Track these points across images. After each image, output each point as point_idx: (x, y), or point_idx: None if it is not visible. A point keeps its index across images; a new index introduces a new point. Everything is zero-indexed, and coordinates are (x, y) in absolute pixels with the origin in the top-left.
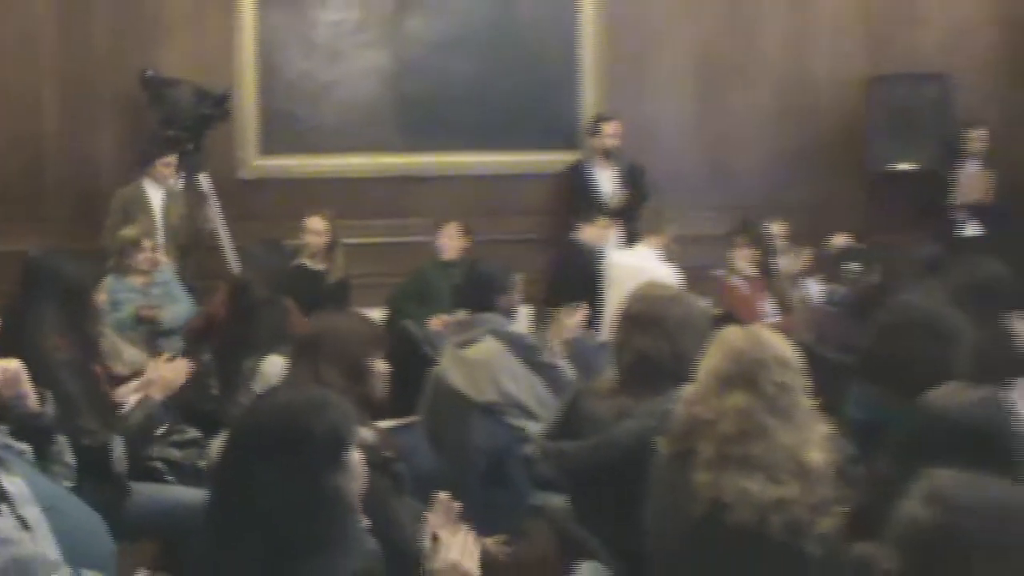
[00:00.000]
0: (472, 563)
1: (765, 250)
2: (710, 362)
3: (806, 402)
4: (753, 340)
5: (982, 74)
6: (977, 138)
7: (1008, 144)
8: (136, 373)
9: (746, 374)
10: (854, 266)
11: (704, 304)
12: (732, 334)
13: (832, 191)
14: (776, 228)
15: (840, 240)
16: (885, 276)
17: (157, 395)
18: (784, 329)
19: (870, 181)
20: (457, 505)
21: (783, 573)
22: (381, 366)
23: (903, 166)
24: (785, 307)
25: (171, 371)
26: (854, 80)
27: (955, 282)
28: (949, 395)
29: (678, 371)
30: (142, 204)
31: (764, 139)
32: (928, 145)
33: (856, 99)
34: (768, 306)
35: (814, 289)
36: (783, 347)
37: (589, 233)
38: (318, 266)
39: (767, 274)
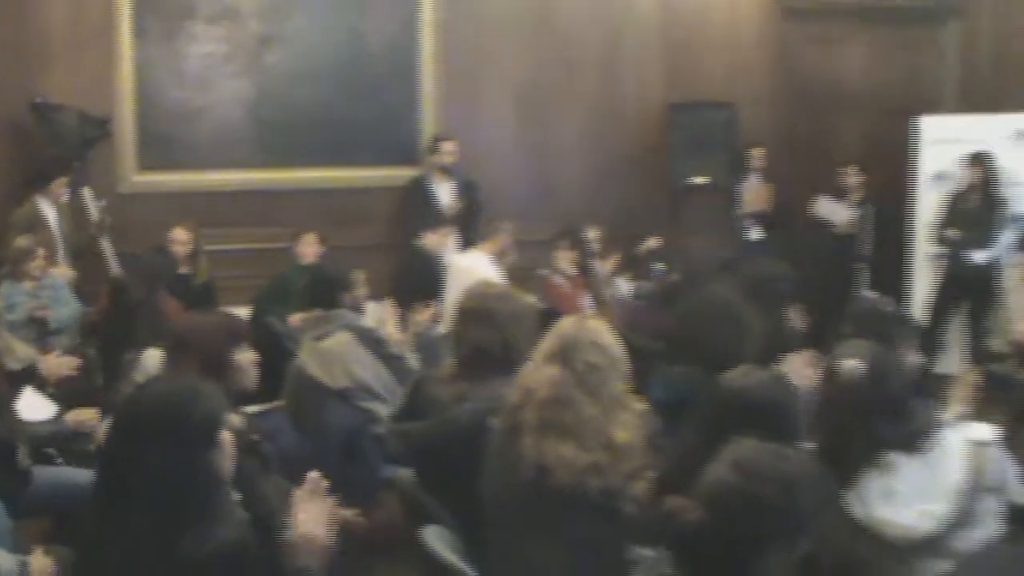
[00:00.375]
0: (326, 534)
1: (583, 253)
2: (542, 343)
3: (617, 385)
4: (578, 325)
5: (761, 101)
6: (757, 156)
7: (783, 161)
8: (27, 368)
9: (563, 351)
10: (659, 265)
11: (530, 300)
12: (566, 321)
13: (639, 201)
14: (592, 233)
15: (653, 243)
16: (685, 274)
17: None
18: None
19: (671, 193)
20: (324, 483)
21: (601, 530)
22: (247, 358)
23: (698, 180)
24: (600, 302)
25: (60, 366)
26: (656, 106)
27: (743, 278)
28: (743, 375)
29: (508, 359)
30: (40, 221)
31: (581, 156)
32: (718, 162)
33: (658, 122)
34: (586, 301)
35: (624, 286)
36: (603, 335)
37: (430, 240)
38: (184, 270)
39: (585, 273)
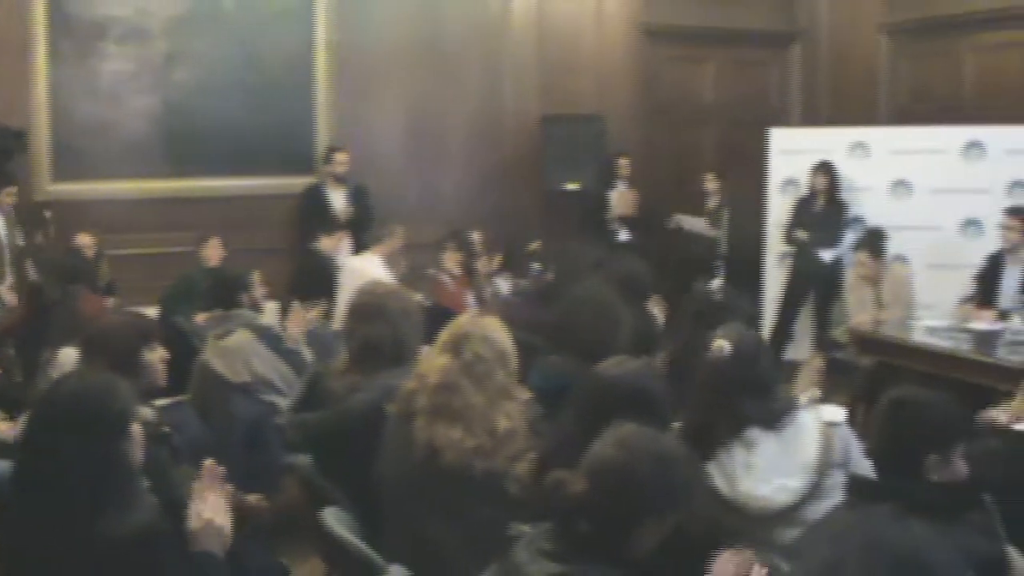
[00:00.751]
0: (225, 520)
1: (468, 254)
2: (440, 336)
3: (504, 376)
4: (473, 321)
5: (627, 114)
6: (624, 165)
7: (647, 169)
8: None
9: (454, 342)
10: (535, 265)
11: (418, 298)
12: (464, 317)
13: (518, 206)
14: (476, 236)
15: (536, 245)
16: (560, 272)
17: None
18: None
19: (546, 198)
20: (221, 469)
21: (486, 508)
22: (157, 355)
23: (571, 186)
24: (482, 300)
25: None
26: (532, 118)
27: (612, 276)
28: (616, 364)
29: (397, 353)
30: None
31: (464, 164)
32: (588, 170)
33: (534, 133)
34: (470, 299)
35: (504, 285)
36: (495, 331)
37: (325, 243)
38: None
39: (469, 273)
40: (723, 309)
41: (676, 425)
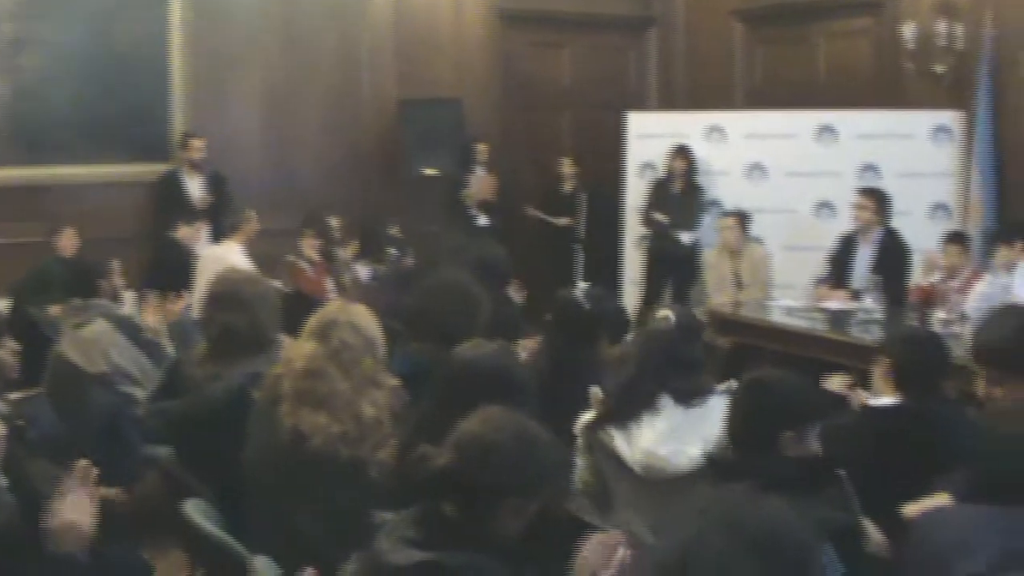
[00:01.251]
0: (86, 519)
1: (326, 240)
2: (308, 322)
3: (370, 364)
4: (341, 308)
5: (485, 99)
6: (482, 150)
7: (506, 154)
8: None
9: (322, 328)
10: (393, 250)
11: (276, 284)
12: (332, 304)
13: (376, 191)
14: (334, 222)
15: (394, 231)
16: (419, 258)
17: None
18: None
19: (405, 183)
20: (94, 472)
21: (352, 495)
22: (7, 349)
23: (429, 171)
24: (341, 286)
25: None
26: (389, 102)
27: (471, 261)
28: (474, 348)
29: (256, 340)
30: None
31: (322, 149)
32: (447, 155)
33: (392, 118)
34: (330, 285)
35: (363, 271)
36: (363, 319)
37: (183, 232)
38: None
39: (328, 259)
40: (593, 321)
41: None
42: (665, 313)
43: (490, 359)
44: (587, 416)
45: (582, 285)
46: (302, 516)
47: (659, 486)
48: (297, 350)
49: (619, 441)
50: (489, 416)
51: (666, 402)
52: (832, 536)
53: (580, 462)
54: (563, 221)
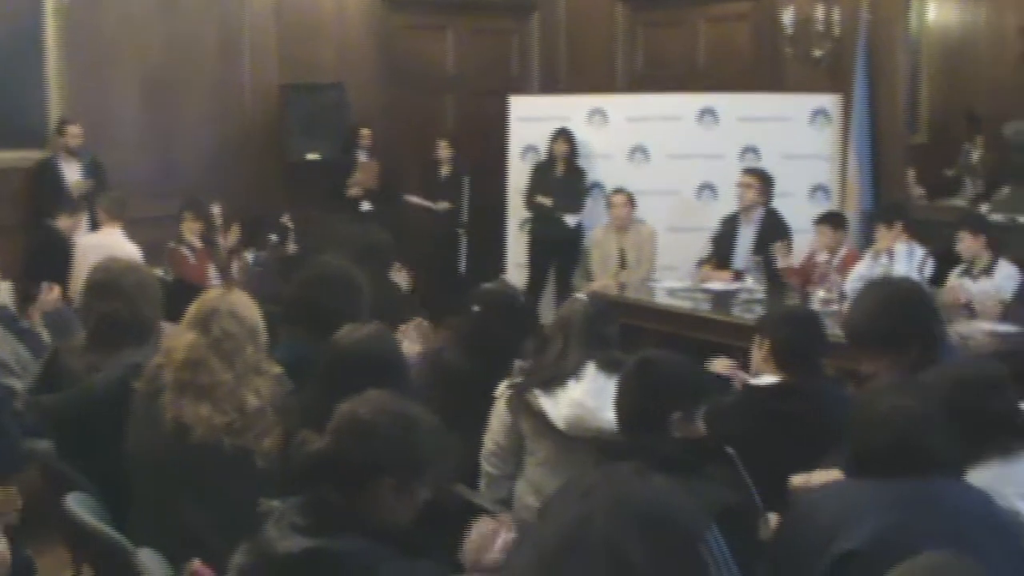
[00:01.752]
0: None
1: (209, 226)
2: (188, 311)
3: (253, 353)
4: (220, 296)
5: (367, 83)
6: (365, 135)
7: (389, 139)
8: None
9: (202, 318)
10: (274, 237)
11: (157, 272)
12: (211, 292)
13: (259, 177)
14: (216, 208)
15: (279, 218)
16: (301, 243)
17: None
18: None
19: (288, 169)
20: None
21: (237, 482)
22: None
23: (312, 157)
24: (224, 273)
25: None
26: (271, 87)
27: (354, 246)
28: (352, 332)
29: (137, 329)
30: None
31: (203, 135)
32: (330, 140)
33: (274, 103)
34: (212, 272)
35: (246, 258)
36: (243, 307)
37: (64, 223)
38: None
39: (210, 245)
40: (528, 313)
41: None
42: (581, 296)
43: (366, 342)
44: (509, 381)
45: (504, 278)
46: (187, 508)
47: (578, 445)
48: (178, 340)
49: (544, 400)
50: (368, 398)
51: (591, 370)
52: (720, 515)
53: (495, 424)
54: (443, 206)
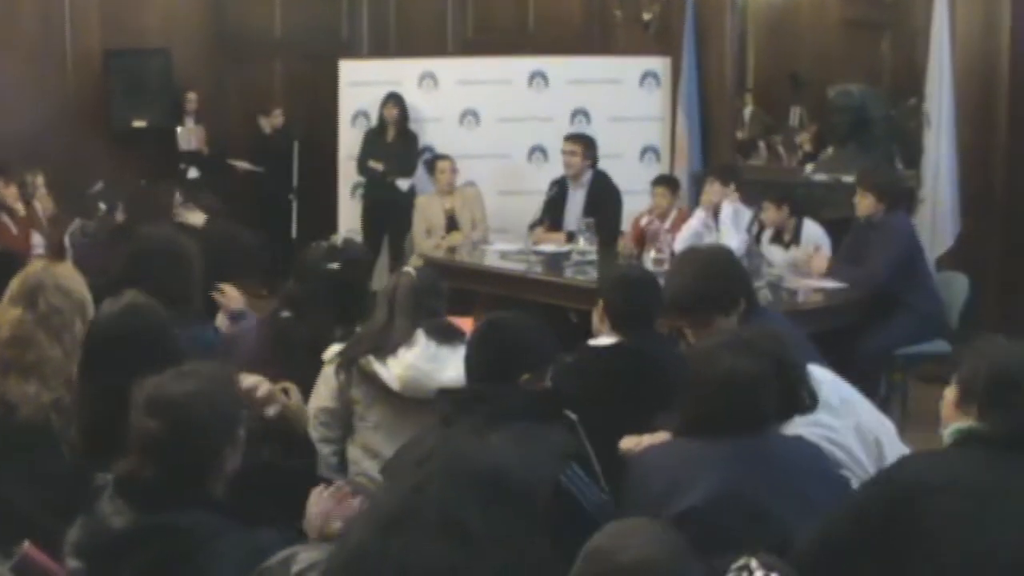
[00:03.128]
0: None
1: (23, 190)
2: (11, 285)
3: (81, 328)
4: (45, 270)
5: (193, 48)
6: (191, 100)
7: (215, 105)
8: None
9: (28, 293)
10: (102, 206)
11: None
12: (34, 265)
13: (84, 146)
14: (39, 178)
15: (99, 186)
16: (129, 213)
17: None
18: (50, 260)
19: (114, 137)
20: None
21: (66, 459)
22: None
23: (138, 124)
24: (49, 243)
25: None
26: (94, 53)
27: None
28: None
29: None
30: None
31: (24, 103)
32: (156, 106)
33: (97, 69)
34: (37, 240)
35: (71, 228)
36: (70, 280)
37: None
38: None
39: (33, 216)
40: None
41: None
42: (407, 269)
43: (122, 316)
44: (336, 348)
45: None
46: (14, 488)
47: (411, 407)
48: (2, 317)
49: (377, 365)
50: (183, 370)
51: (421, 336)
52: (573, 457)
53: (323, 390)
54: (248, 165)
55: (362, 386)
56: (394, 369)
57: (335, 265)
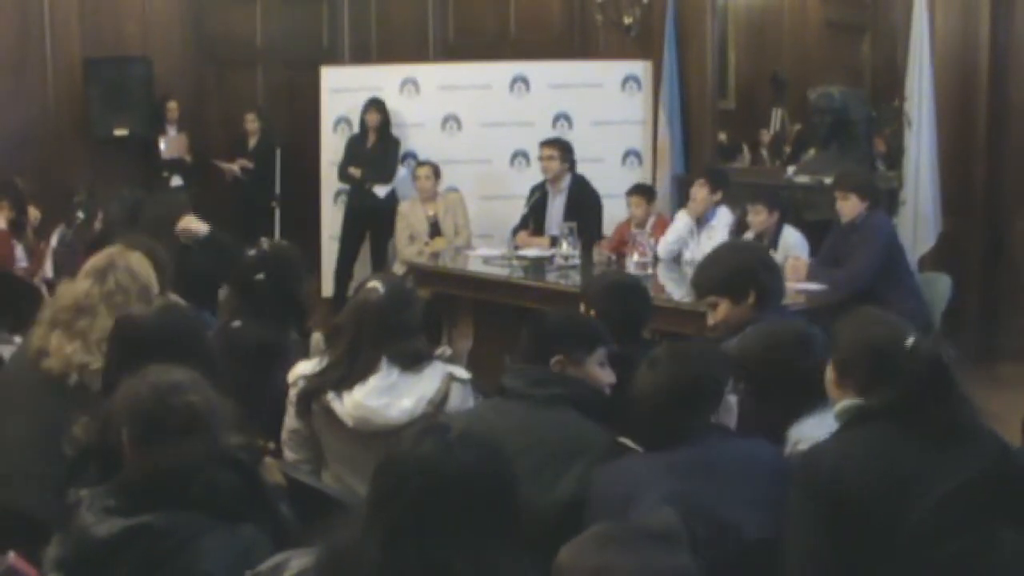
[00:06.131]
0: None
1: (19, 207)
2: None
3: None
4: (120, 251)
5: (174, 56)
6: (173, 108)
7: (196, 112)
8: None
9: (100, 269)
10: (80, 214)
11: None
12: (112, 248)
13: (65, 155)
14: (21, 187)
15: (81, 195)
16: (109, 222)
17: None
18: (32, 270)
19: (95, 146)
20: None
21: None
22: None
23: (119, 132)
24: (32, 252)
25: None
26: (74, 61)
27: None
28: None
29: None
30: None
31: (5, 112)
32: (137, 115)
33: (77, 77)
34: (20, 252)
35: (53, 237)
36: (140, 265)
37: None
38: None
39: (17, 226)
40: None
41: None
42: (374, 284)
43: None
44: (302, 370)
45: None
46: (20, 431)
47: (371, 440)
48: (71, 287)
49: (334, 400)
50: (147, 373)
51: (382, 365)
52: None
53: (290, 409)
54: (243, 163)
55: (321, 418)
56: (347, 406)
57: (261, 276)
